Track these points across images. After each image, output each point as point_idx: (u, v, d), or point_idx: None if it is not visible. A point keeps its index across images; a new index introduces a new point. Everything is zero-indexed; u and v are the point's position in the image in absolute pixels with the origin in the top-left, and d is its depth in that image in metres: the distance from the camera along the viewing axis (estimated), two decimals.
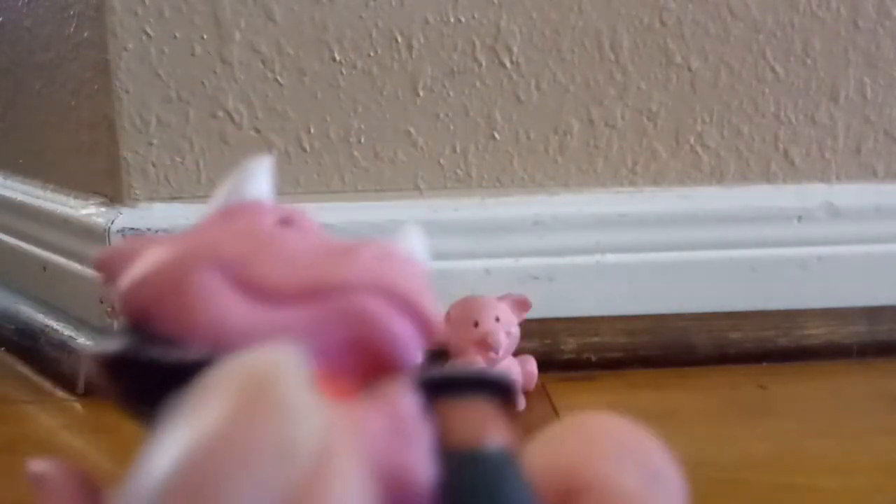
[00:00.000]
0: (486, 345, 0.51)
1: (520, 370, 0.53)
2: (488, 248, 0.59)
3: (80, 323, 0.59)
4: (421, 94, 0.57)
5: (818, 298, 0.62)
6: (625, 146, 0.60)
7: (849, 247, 0.62)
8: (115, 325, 0.57)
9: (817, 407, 0.54)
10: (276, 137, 0.57)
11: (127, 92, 0.56)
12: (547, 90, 0.58)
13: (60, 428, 0.51)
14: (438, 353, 0.52)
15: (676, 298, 0.61)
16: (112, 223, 0.56)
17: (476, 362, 0.51)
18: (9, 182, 0.67)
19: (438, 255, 0.59)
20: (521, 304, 0.53)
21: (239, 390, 0.19)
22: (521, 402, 0.53)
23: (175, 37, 0.55)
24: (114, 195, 0.58)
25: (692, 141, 0.60)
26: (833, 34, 0.59)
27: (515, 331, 0.52)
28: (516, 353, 0.54)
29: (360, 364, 0.24)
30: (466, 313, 0.52)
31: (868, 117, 0.61)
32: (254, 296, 0.23)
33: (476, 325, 0.52)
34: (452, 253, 0.58)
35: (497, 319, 0.51)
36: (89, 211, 0.58)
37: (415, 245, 0.33)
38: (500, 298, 0.53)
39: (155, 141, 0.57)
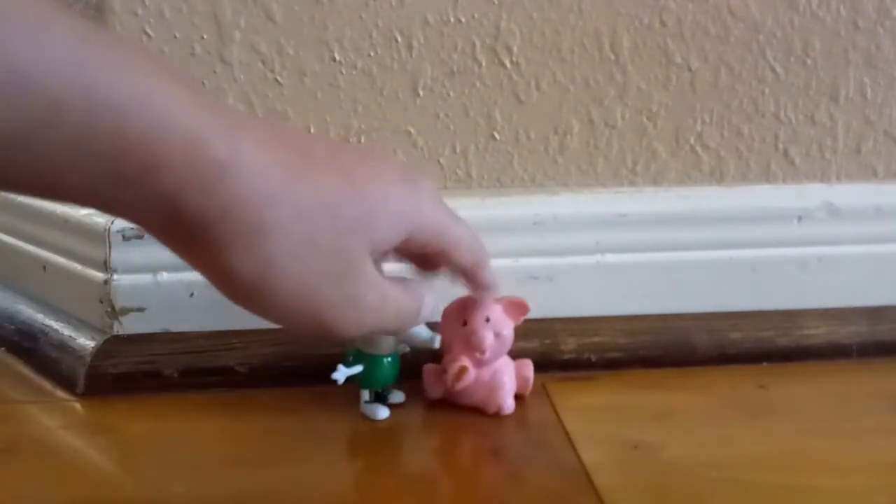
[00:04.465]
0: (471, 344, 0.51)
1: (512, 373, 0.53)
2: (488, 248, 0.59)
3: (80, 323, 0.59)
4: (421, 94, 0.57)
5: (818, 298, 0.62)
6: (625, 146, 0.60)
7: (849, 247, 0.62)
8: (115, 325, 0.57)
9: (817, 407, 0.54)
10: None
11: None
12: (547, 90, 0.58)
13: (60, 428, 0.51)
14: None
15: (676, 298, 0.61)
16: (112, 223, 0.56)
17: (461, 360, 0.51)
18: None
19: None
20: (518, 307, 0.53)
21: None
22: (510, 406, 0.52)
23: (175, 37, 0.55)
24: None
25: (692, 141, 0.60)
26: (833, 34, 0.59)
27: (508, 333, 0.52)
28: (517, 357, 0.54)
29: None
30: (458, 312, 0.52)
31: (868, 117, 0.61)
32: None
33: (464, 323, 0.52)
34: None
35: (487, 320, 0.51)
36: (89, 211, 0.58)
37: None
38: (498, 300, 0.53)
39: None
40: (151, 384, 0.56)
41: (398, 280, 0.40)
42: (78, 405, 0.55)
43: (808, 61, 0.59)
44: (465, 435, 0.51)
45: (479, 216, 0.59)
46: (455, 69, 0.57)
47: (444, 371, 0.52)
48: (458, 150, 0.59)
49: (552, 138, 0.59)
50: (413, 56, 0.57)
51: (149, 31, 0.55)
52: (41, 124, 0.27)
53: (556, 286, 0.60)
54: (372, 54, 0.56)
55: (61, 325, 0.60)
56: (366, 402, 0.53)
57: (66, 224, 0.60)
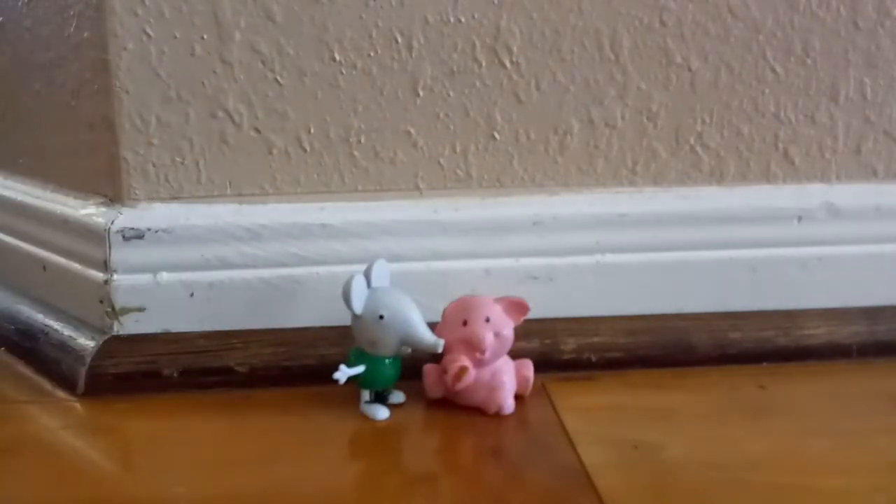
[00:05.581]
0: (471, 344, 0.51)
1: (512, 373, 0.53)
2: (488, 248, 0.59)
3: (80, 323, 0.59)
4: (421, 94, 0.57)
5: (818, 298, 0.62)
6: (625, 146, 0.60)
7: (849, 247, 0.62)
8: (115, 325, 0.57)
9: (817, 407, 0.54)
10: (276, 137, 0.57)
11: (127, 92, 0.56)
12: (547, 90, 0.58)
13: (60, 428, 0.51)
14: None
15: (676, 298, 0.61)
16: (112, 223, 0.56)
17: (461, 360, 0.51)
18: (9, 182, 0.67)
19: (438, 255, 0.59)
20: (518, 307, 0.53)
21: None
22: (510, 406, 0.52)
23: (175, 37, 0.55)
24: (114, 195, 0.58)
25: (692, 141, 0.60)
26: (833, 34, 0.59)
27: (508, 333, 0.52)
28: (517, 357, 0.54)
29: None
30: (458, 312, 0.52)
31: (868, 117, 0.61)
32: None
33: (465, 323, 0.52)
34: (452, 253, 0.59)
35: (487, 320, 0.51)
36: (89, 211, 0.58)
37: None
38: (498, 300, 0.53)
39: (155, 141, 0.57)
40: (151, 384, 0.56)
41: None
42: (78, 405, 0.55)
43: (808, 61, 0.59)
44: (465, 435, 0.51)
45: (479, 216, 0.59)
46: (455, 69, 0.57)
47: (444, 371, 0.52)
48: (458, 150, 0.59)
49: (552, 138, 0.59)
50: (413, 56, 0.57)
51: (149, 31, 0.55)
52: None
53: (556, 286, 0.60)
54: (372, 54, 0.56)
55: (61, 325, 0.60)
56: (366, 402, 0.53)
57: (66, 224, 0.60)
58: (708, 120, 0.60)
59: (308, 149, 0.58)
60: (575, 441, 0.49)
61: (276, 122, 0.57)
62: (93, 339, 0.57)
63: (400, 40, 0.56)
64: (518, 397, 0.53)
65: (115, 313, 0.57)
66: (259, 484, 0.45)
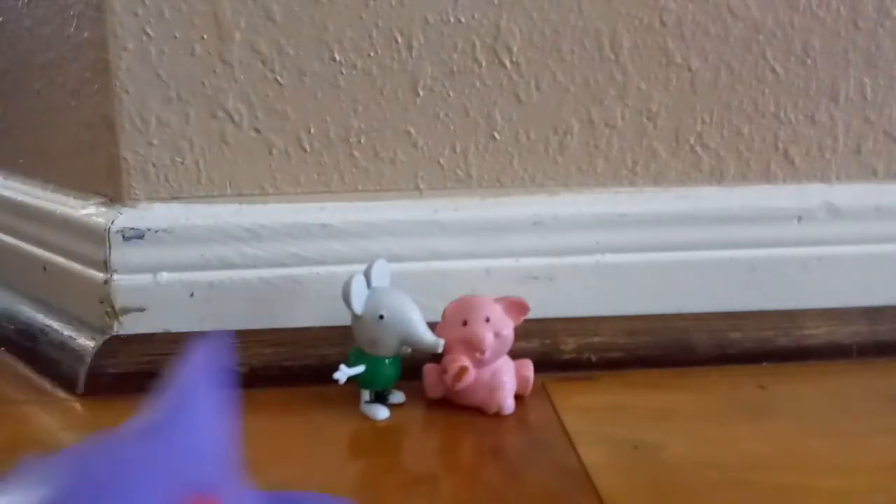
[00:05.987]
0: (471, 344, 0.51)
1: (512, 373, 0.53)
2: (488, 248, 0.59)
3: (80, 323, 0.59)
4: (421, 94, 0.57)
5: (818, 298, 0.62)
6: (625, 146, 0.60)
7: (849, 247, 0.62)
8: (115, 325, 0.57)
9: (817, 407, 0.54)
10: (276, 137, 0.57)
11: (127, 92, 0.56)
12: (547, 90, 0.58)
13: (60, 428, 0.51)
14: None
15: (676, 298, 0.61)
16: (112, 223, 0.56)
17: (461, 360, 0.51)
18: (9, 182, 0.67)
19: (438, 255, 0.59)
20: (518, 307, 0.53)
21: None
22: (510, 406, 0.52)
23: (175, 37, 0.55)
24: (114, 195, 0.58)
25: (692, 141, 0.60)
26: (833, 34, 0.59)
27: (508, 333, 0.52)
28: (517, 357, 0.54)
29: None
30: (458, 312, 0.52)
31: (868, 117, 0.61)
32: None
33: (465, 323, 0.52)
34: (452, 253, 0.59)
35: (487, 320, 0.51)
36: (89, 211, 0.58)
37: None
38: (498, 300, 0.53)
39: (155, 141, 0.57)
40: (151, 384, 0.56)
41: None
42: (78, 405, 0.55)
43: (808, 61, 0.59)
44: (465, 435, 0.51)
45: (479, 216, 0.59)
46: (455, 69, 0.57)
47: (445, 371, 0.52)
48: (458, 150, 0.59)
49: (552, 138, 0.59)
50: (413, 56, 0.57)
51: (149, 31, 0.55)
52: None
53: (556, 286, 0.60)
54: (372, 54, 0.56)
55: (61, 325, 0.60)
56: (366, 402, 0.53)
57: (66, 224, 0.60)
58: (708, 120, 0.60)
59: (308, 149, 0.58)
60: (575, 441, 0.49)
61: (276, 122, 0.57)
62: (93, 339, 0.57)
63: (400, 40, 0.56)
64: (518, 397, 0.54)
65: (115, 313, 0.57)
66: (259, 484, 0.45)
